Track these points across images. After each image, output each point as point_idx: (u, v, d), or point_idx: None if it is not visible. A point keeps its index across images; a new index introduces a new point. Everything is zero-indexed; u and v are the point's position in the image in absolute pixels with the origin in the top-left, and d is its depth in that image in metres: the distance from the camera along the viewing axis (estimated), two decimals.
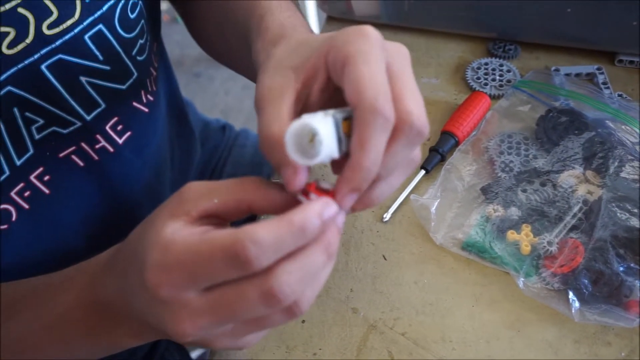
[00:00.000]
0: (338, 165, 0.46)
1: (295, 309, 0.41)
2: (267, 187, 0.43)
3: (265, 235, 0.37)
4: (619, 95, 0.77)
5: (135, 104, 0.65)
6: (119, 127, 0.63)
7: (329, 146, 0.41)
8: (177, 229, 0.41)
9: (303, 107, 0.45)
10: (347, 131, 0.42)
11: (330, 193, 0.43)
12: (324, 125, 0.40)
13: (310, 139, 0.41)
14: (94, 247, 0.68)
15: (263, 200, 0.43)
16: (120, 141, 0.64)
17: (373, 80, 0.41)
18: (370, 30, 0.43)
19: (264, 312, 0.39)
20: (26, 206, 0.58)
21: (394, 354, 0.58)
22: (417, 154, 0.46)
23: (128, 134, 0.65)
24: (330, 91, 0.46)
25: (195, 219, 0.42)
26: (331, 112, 0.42)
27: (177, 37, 2.45)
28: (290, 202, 0.42)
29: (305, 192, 0.42)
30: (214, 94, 2.35)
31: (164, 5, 2.51)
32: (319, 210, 0.40)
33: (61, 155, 0.60)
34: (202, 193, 0.42)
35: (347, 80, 0.42)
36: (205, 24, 0.72)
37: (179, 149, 0.82)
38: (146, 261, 0.40)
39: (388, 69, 0.43)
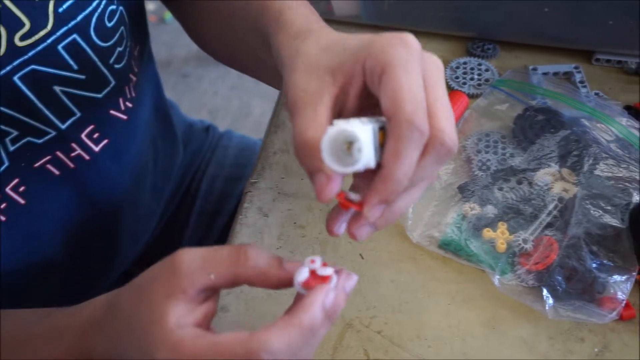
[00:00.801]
0: (361, 176, 0.46)
1: None
2: (265, 263, 0.43)
3: (278, 345, 0.39)
4: (596, 94, 0.77)
5: (112, 112, 0.64)
6: (95, 135, 0.63)
7: (368, 154, 0.41)
8: (181, 316, 0.41)
9: (338, 112, 0.45)
10: (381, 141, 0.42)
11: (358, 204, 0.43)
12: (364, 132, 0.40)
13: (348, 146, 0.40)
14: (73, 255, 0.68)
15: (261, 280, 0.43)
16: (96, 149, 0.63)
17: (411, 93, 0.41)
18: (411, 39, 0.43)
19: None
20: (2, 218, 0.58)
21: (369, 352, 0.58)
22: (454, 143, 0.45)
23: (105, 142, 0.64)
24: (365, 97, 0.45)
25: (194, 297, 0.42)
26: (366, 119, 0.42)
27: (164, 38, 2.45)
28: (284, 279, 0.43)
29: (308, 283, 0.43)
30: (202, 95, 2.34)
31: (151, 6, 2.51)
32: (321, 304, 0.42)
33: (36, 165, 0.59)
34: (197, 267, 0.42)
35: (384, 90, 0.42)
36: (209, 24, 0.71)
37: (161, 153, 0.81)
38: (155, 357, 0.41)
39: (423, 81, 0.43)
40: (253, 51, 0.61)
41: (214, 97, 2.33)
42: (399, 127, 0.41)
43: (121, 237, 0.73)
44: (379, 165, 0.42)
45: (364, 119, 0.42)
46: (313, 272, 0.43)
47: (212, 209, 0.92)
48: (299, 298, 0.43)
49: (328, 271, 0.43)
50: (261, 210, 0.68)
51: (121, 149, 0.67)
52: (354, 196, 0.44)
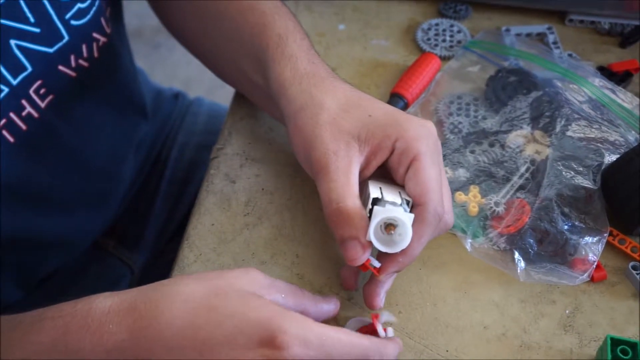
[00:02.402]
0: None
1: None
2: (320, 302, 0.51)
3: None
4: (569, 55, 0.76)
5: (61, 67, 0.62)
6: (42, 91, 0.61)
7: (408, 241, 0.48)
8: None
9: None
10: None
11: (376, 269, 0.51)
12: (409, 221, 0.48)
13: (387, 227, 0.48)
14: (22, 228, 0.66)
15: (315, 312, 0.50)
16: (42, 105, 0.61)
17: (438, 185, 0.50)
18: (434, 130, 0.53)
19: None
20: None
21: (339, 318, 0.57)
22: (450, 222, 0.56)
23: (50, 97, 0.62)
24: (380, 165, 0.53)
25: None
26: (399, 201, 0.50)
27: (135, 7, 2.38)
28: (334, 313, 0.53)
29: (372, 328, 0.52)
30: (175, 65, 2.30)
31: None
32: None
33: None
34: (269, 284, 0.47)
35: (414, 177, 0.50)
36: (188, 24, 0.70)
37: (121, 118, 0.78)
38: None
39: None
40: (242, 67, 0.64)
41: (187, 68, 2.29)
42: (426, 214, 0.49)
43: (78, 204, 0.71)
44: None
45: (386, 191, 0.50)
46: (369, 260, 0.51)
47: (183, 177, 0.90)
48: None
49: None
50: (228, 177, 0.67)
51: (67, 107, 0.65)
52: (376, 263, 0.51)
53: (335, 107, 0.53)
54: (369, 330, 0.55)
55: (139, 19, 2.40)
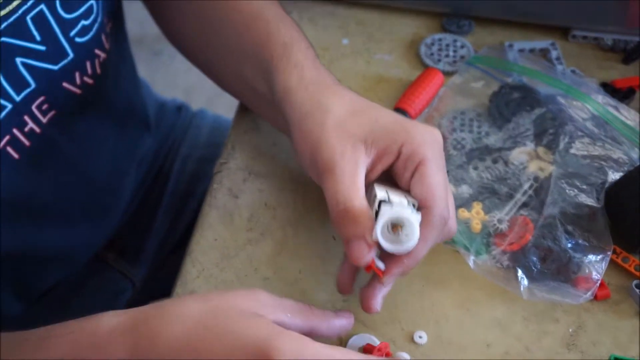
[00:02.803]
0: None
1: None
2: (332, 319, 0.51)
3: None
4: (572, 71, 0.76)
5: (65, 84, 0.62)
6: (44, 107, 0.61)
7: (415, 241, 0.48)
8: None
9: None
10: None
11: (380, 271, 0.51)
12: (416, 221, 0.48)
13: (393, 227, 0.48)
14: (23, 241, 0.65)
15: (326, 330, 0.50)
16: (44, 120, 0.61)
17: (443, 190, 0.51)
18: (440, 137, 0.53)
19: None
20: None
21: (342, 335, 0.57)
22: (454, 230, 0.57)
23: (52, 113, 0.62)
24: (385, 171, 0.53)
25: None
26: (406, 202, 0.50)
27: (136, 14, 2.38)
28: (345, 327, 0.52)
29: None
30: (176, 73, 2.30)
31: None
32: None
33: None
34: (275, 304, 0.47)
35: (420, 181, 0.50)
36: (188, 32, 0.70)
37: (123, 133, 0.78)
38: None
39: None
40: (244, 74, 0.64)
41: (188, 76, 2.29)
42: (432, 217, 0.49)
43: (79, 218, 0.71)
44: None
45: (392, 193, 0.50)
46: (374, 261, 0.51)
47: (185, 190, 0.90)
48: None
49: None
50: (231, 192, 0.67)
51: (69, 121, 0.65)
52: (381, 265, 0.51)
53: (342, 111, 0.53)
54: (372, 348, 0.55)
55: (140, 26, 2.39)
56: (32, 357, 0.45)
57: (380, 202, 0.50)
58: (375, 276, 0.52)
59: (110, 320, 0.45)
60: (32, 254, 0.67)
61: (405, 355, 0.55)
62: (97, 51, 0.65)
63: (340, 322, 0.52)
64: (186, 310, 0.45)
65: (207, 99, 2.22)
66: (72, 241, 0.72)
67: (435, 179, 0.50)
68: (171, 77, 2.28)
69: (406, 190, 0.53)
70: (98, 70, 0.66)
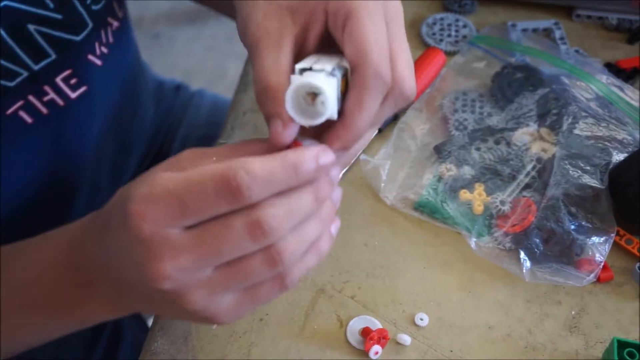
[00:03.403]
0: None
1: (286, 278, 0.40)
2: (264, 152, 0.40)
3: (258, 167, 0.36)
4: (576, 51, 0.75)
5: (90, 56, 0.62)
6: (73, 81, 0.60)
7: (331, 108, 0.40)
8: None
9: (297, 53, 0.44)
10: (344, 89, 0.42)
11: None
12: (328, 86, 0.39)
13: (311, 97, 0.40)
14: (35, 206, 0.65)
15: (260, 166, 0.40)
16: (73, 96, 0.61)
17: (377, 42, 0.41)
18: None
19: (248, 247, 0.37)
20: None
21: (342, 318, 0.57)
22: (412, 91, 0.45)
23: (83, 89, 0.61)
24: (324, 38, 0.44)
25: None
26: (330, 68, 0.40)
27: None
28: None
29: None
30: (175, 56, 2.28)
31: None
32: (315, 154, 0.38)
33: (8, 112, 0.57)
34: (199, 155, 0.41)
35: (349, 38, 0.41)
36: None
37: (131, 107, 0.78)
38: (132, 195, 0.38)
39: (386, 26, 0.42)
40: None
41: (188, 59, 2.27)
42: (364, 77, 0.40)
43: (80, 195, 0.71)
44: (339, 113, 0.41)
45: (324, 61, 0.41)
46: (300, 143, 0.42)
47: None
48: None
49: None
50: None
51: (95, 97, 0.64)
52: (310, 142, 0.42)
53: None
54: (370, 331, 0.54)
55: (138, 8, 2.38)
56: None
57: (300, 72, 0.42)
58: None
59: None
60: (29, 232, 0.66)
61: (406, 338, 0.55)
62: (110, 19, 0.64)
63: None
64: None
65: (206, 82, 2.21)
66: (72, 218, 0.71)
67: (367, 30, 0.41)
68: (170, 60, 2.26)
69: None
70: (111, 39, 0.65)
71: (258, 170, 0.36)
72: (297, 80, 0.39)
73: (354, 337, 0.55)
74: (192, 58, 2.27)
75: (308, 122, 0.40)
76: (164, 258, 0.37)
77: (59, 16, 0.57)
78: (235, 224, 0.36)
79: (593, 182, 0.60)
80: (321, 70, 0.40)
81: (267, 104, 0.41)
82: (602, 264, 0.57)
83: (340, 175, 0.65)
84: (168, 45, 2.32)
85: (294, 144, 0.41)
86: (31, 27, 0.56)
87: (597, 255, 0.57)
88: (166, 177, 0.37)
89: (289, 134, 0.41)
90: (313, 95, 0.39)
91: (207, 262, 0.37)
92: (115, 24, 0.66)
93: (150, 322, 1.25)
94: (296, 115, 0.40)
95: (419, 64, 0.72)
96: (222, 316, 0.41)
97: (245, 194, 0.36)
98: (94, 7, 0.61)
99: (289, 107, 0.40)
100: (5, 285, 0.47)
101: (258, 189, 0.36)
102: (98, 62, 0.64)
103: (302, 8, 0.44)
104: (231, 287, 0.39)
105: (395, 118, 0.69)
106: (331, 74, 0.40)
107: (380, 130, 0.68)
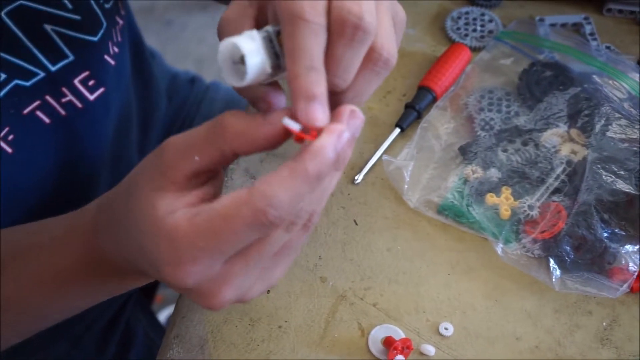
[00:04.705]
0: None
1: (309, 223, 0.39)
2: (249, 128, 0.38)
3: (284, 197, 0.34)
4: (607, 48, 0.72)
5: (106, 57, 0.61)
6: (91, 83, 0.59)
7: (256, 64, 0.37)
8: (170, 204, 0.37)
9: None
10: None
11: (302, 133, 0.37)
12: (247, 41, 0.37)
13: (241, 60, 0.38)
14: (51, 207, 0.64)
15: (247, 145, 0.38)
16: (91, 97, 0.60)
17: None
18: None
19: (255, 235, 0.36)
20: None
21: (364, 326, 0.55)
22: (389, 53, 0.40)
23: (101, 90, 0.61)
24: None
25: (183, 185, 0.38)
26: (267, 27, 0.39)
27: None
28: (278, 134, 0.37)
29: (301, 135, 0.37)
30: (187, 43, 2.26)
31: None
32: (333, 146, 0.35)
33: (25, 111, 0.56)
34: (180, 154, 0.39)
35: None
36: None
37: (142, 104, 0.77)
38: (158, 260, 0.37)
39: None
40: None
41: (200, 46, 2.25)
42: (282, 22, 0.37)
43: (98, 194, 0.69)
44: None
45: (268, 28, 0.39)
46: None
47: None
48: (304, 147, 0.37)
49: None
50: (248, 172, 0.64)
51: (111, 98, 0.63)
52: (292, 123, 0.37)
53: None
54: (393, 341, 0.52)
55: None
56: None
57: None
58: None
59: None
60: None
61: (430, 348, 0.53)
62: (117, 17, 0.64)
63: (263, 132, 0.38)
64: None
65: (219, 70, 2.18)
66: None
67: None
68: (183, 48, 2.24)
69: None
70: (119, 38, 0.64)
71: (285, 200, 0.34)
72: (222, 44, 0.38)
73: (376, 347, 0.54)
74: (205, 45, 2.25)
75: (241, 83, 0.38)
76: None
77: (77, 17, 0.56)
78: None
79: (627, 187, 0.57)
80: (250, 33, 0.38)
81: (241, 91, 0.41)
82: (636, 273, 0.55)
83: (360, 178, 0.63)
84: (180, 32, 2.29)
85: (302, 135, 0.37)
86: (48, 27, 0.55)
87: (631, 264, 0.55)
88: (185, 233, 0.36)
89: (276, 103, 0.40)
90: (242, 57, 0.37)
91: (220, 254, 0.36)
92: (121, 22, 0.65)
93: (161, 317, 1.25)
94: (231, 78, 0.38)
95: (443, 60, 0.69)
96: (253, 291, 0.41)
97: (278, 223, 0.35)
98: (107, 5, 0.60)
99: (224, 71, 0.38)
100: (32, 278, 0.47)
101: (287, 213, 0.35)
102: (112, 62, 0.63)
103: None
104: (250, 271, 0.39)
105: (419, 117, 0.67)
106: (256, 34, 0.38)
107: (402, 129, 0.66)
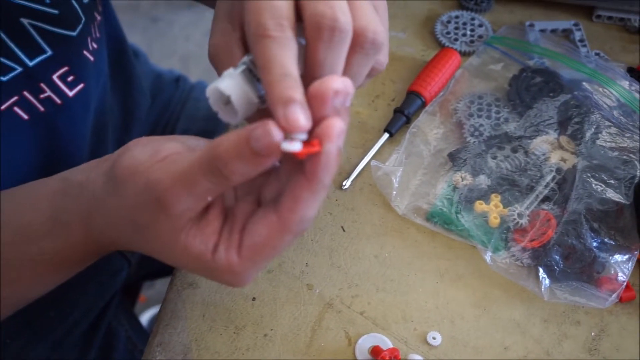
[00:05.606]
0: None
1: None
2: (239, 140, 0.37)
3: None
4: (596, 54, 0.72)
5: (85, 52, 0.59)
6: (70, 78, 0.58)
7: (242, 101, 0.39)
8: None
9: None
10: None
11: (299, 150, 0.36)
12: (228, 82, 0.39)
13: (229, 98, 0.39)
14: None
15: (240, 164, 0.37)
16: (70, 94, 0.59)
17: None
18: None
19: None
20: None
21: (351, 335, 0.54)
22: (374, 32, 0.40)
23: (80, 86, 0.59)
24: None
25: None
26: (244, 58, 0.40)
27: None
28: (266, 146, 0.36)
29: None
30: (173, 40, 2.24)
31: None
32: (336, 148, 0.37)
33: (3, 107, 0.54)
34: (180, 196, 0.39)
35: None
36: None
37: (122, 103, 0.75)
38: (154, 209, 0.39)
39: None
40: None
41: (186, 44, 2.23)
42: (251, 41, 0.38)
43: None
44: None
45: (245, 58, 0.40)
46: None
47: None
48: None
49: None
50: None
51: (91, 94, 0.62)
52: (290, 145, 0.36)
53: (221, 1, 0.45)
54: (380, 351, 0.52)
55: None
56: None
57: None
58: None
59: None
60: None
61: (418, 358, 0.52)
62: (95, 13, 0.62)
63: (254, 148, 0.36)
64: None
65: (205, 68, 2.16)
66: None
67: None
68: (169, 45, 2.22)
69: None
70: (97, 34, 0.63)
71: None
72: (207, 92, 0.39)
73: (363, 356, 0.53)
74: (191, 43, 2.23)
75: (236, 121, 0.40)
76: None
77: (55, 11, 0.55)
78: None
79: (617, 196, 0.57)
80: (227, 75, 0.39)
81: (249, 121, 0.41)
82: (625, 283, 0.54)
83: (348, 184, 0.62)
84: (167, 29, 2.27)
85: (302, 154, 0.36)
86: (25, 21, 0.53)
87: (620, 274, 0.55)
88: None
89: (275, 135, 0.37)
90: (229, 97, 0.39)
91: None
92: (99, 18, 0.64)
93: (144, 319, 1.23)
94: (227, 118, 0.40)
95: (432, 64, 0.69)
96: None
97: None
98: (85, 1, 0.59)
99: (220, 113, 0.40)
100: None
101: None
102: (91, 58, 0.61)
103: (232, 10, 0.42)
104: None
105: (407, 122, 0.66)
106: (233, 72, 0.39)
107: (391, 134, 0.65)
